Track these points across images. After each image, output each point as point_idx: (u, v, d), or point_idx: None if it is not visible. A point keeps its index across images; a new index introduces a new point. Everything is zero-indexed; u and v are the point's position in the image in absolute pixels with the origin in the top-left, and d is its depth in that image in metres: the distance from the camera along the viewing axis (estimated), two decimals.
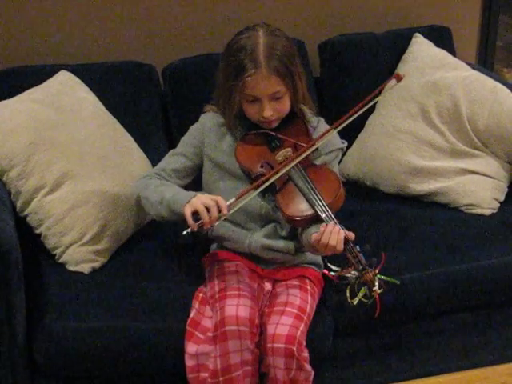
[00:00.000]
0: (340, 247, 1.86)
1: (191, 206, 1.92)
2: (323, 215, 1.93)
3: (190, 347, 1.97)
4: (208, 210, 1.90)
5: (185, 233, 1.90)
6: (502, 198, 2.56)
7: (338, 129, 2.05)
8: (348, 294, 1.83)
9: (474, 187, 2.50)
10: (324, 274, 2.04)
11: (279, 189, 2.02)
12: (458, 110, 2.53)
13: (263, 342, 1.94)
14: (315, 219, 1.94)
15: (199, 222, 1.90)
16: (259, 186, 1.98)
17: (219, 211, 1.90)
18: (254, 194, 1.98)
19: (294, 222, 2.00)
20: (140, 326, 2.01)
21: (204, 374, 1.94)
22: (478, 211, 2.49)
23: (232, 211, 1.94)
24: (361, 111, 2.06)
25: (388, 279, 1.85)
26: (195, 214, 1.91)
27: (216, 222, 1.92)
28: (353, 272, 1.83)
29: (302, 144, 2.05)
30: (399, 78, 2.13)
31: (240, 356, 1.90)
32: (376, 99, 2.08)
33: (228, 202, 1.93)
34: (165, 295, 2.09)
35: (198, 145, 2.14)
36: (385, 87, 2.18)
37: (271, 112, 2.03)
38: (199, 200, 1.92)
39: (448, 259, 2.28)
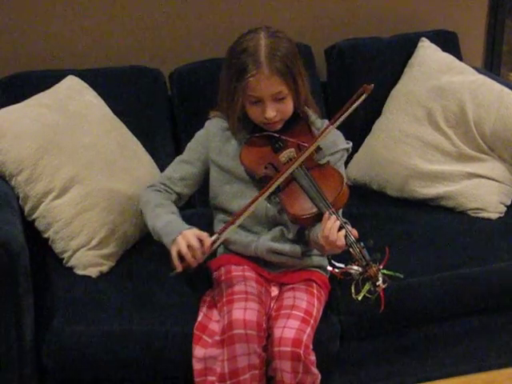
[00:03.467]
0: (340, 242, 1.86)
1: (176, 246, 1.93)
2: (327, 213, 1.92)
3: (198, 351, 1.96)
4: (193, 251, 1.92)
5: (171, 274, 1.94)
6: (509, 202, 2.56)
7: (336, 124, 2.01)
8: (353, 290, 1.82)
9: (481, 191, 2.50)
10: (330, 277, 2.10)
11: (283, 188, 2.02)
12: (464, 114, 2.53)
13: (270, 346, 1.93)
14: (319, 218, 1.94)
15: (185, 264, 1.93)
16: (265, 192, 1.98)
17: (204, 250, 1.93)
18: (262, 199, 1.99)
19: (298, 220, 2.00)
20: (148, 330, 2.01)
21: (212, 378, 1.94)
22: (485, 215, 2.49)
23: (217, 245, 1.96)
24: (356, 104, 2.01)
25: (391, 273, 1.84)
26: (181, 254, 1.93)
27: (201, 260, 1.94)
28: (357, 268, 1.83)
29: (305, 144, 2.05)
30: (367, 90, 2.00)
31: (247, 359, 1.90)
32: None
33: (212, 238, 1.94)
34: (172, 299, 2.09)
35: (204, 151, 2.14)
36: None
37: (274, 113, 2.03)
38: (184, 240, 1.92)
39: (454, 263, 2.28)
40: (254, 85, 1.99)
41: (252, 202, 1.97)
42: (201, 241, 1.92)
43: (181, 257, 1.92)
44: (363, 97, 1.99)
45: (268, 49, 1.99)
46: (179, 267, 1.92)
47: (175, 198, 2.13)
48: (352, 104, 2.00)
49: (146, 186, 2.16)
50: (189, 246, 1.91)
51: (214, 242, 1.95)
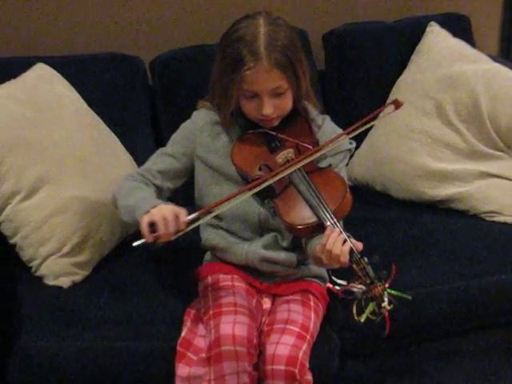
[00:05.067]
0: (344, 258, 1.79)
1: (149, 217, 1.85)
2: (327, 223, 1.85)
3: (182, 369, 1.90)
4: (167, 223, 1.85)
5: (136, 244, 1.83)
6: None
7: (351, 135, 1.97)
8: (354, 311, 1.77)
9: (496, 192, 2.46)
10: (329, 289, 2.04)
11: (279, 194, 1.95)
12: (477, 107, 2.49)
13: (262, 364, 1.87)
14: (319, 228, 1.87)
15: (155, 234, 1.83)
16: (250, 190, 1.90)
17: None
18: (244, 197, 1.91)
19: (296, 230, 1.92)
20: (125, 347, 1.95)
21: None
22: (501, 219, 2.43)
23: (194, 225, 1.86)
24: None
25: (399, 294, 1.78)
26: (153, 226, 1.84)
27: (173, 237, 1.85)
28: (360, 286, 1.78)
29: (305, 145, 1.98)
30: (398, 106, 2.00)
31: (236, 379, 1.82)
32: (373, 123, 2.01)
33: (190, 217, 1.85)
34: (153, 312, 2.04)
35: (189, 145, 2.07)
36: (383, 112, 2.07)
37: (272, 109, 1.96)
38: (160, 211, 1.85)
39: (467, 272, 2.22)
40: (251, 78, 1.92)
41: (237, 194, 1.90)
42: (177, 217, 1.84)
43: (152, 230, 1.84)
44: (390, 110, 1.98)
45: (268, 38, 1.92)
46: (148, 237, 1.82)
47: (154, 190, 2.06)
48: (375, 116, 1.97)
49: (124, 178, 2.10)
50: (163, 219, 1.84)
51: (190, 222, 1.85)
